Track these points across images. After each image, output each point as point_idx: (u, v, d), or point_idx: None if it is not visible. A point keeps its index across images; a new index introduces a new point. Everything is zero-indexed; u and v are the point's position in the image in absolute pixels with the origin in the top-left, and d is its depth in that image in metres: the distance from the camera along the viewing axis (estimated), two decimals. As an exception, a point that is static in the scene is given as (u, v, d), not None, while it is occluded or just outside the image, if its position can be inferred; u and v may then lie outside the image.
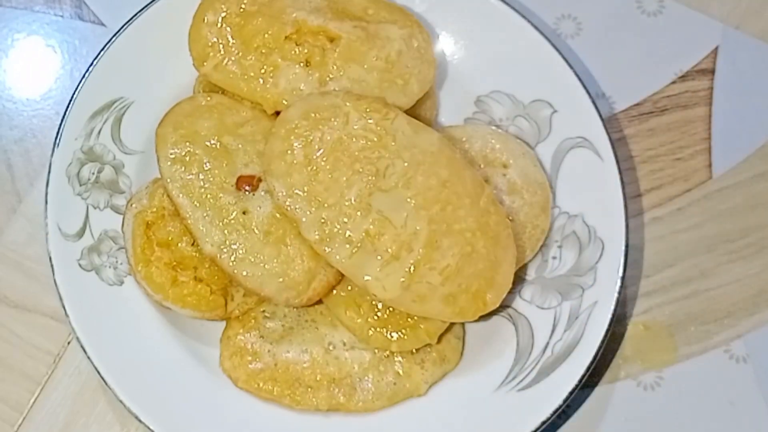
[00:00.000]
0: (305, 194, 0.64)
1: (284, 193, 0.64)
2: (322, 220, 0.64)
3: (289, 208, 0.64)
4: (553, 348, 0.67)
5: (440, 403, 0.67)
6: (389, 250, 0.64)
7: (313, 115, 0.65)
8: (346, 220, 0.64)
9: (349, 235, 0.64)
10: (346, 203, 0.64)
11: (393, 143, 0.65)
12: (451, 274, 0.64)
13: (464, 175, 0.65)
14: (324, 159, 0.64)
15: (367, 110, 0.65)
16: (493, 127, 0.71)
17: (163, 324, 0.68)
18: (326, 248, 0.63)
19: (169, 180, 0.66)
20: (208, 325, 0.68)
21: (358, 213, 0.64)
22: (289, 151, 0.65)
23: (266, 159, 0.65)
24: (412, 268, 0.64)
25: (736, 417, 0.70)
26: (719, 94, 0.76)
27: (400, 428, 0.66)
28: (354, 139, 0.65)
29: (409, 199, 0.64)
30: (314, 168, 0.64)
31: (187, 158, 0.66)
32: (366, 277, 0.64)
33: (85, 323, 0.66)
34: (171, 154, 0.67)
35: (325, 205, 0.64)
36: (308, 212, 0.64)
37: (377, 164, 0.64)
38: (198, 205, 0.66)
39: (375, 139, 0.65)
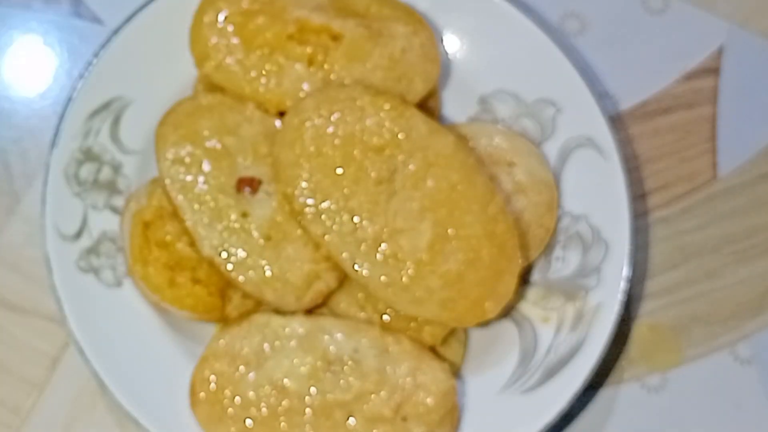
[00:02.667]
0: (311, 186, 0.63)
1: (289, 184, 0.63)
2: (326, 214, 0.63)
3: (292, 200, 0.63)
4: (557, 350, 0.66)
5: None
6: (391, 249, 0.63)
7: (328, 107, 0.64)
8: (350, 215, 0.63)
9: (352, 232, 0.63)
10: (352, 199, 0.63)
11: (406, 142, 0.64)
12: (452, 279, 0.63)
13: (476, 180, 0.64)
14: (334, 152, 0.64)
15: (384, 107, 0.64)
16: (499, 126, 0.71)
17: (162, 326, 0.67)
18: (326, 241, 0.63)
19: (168, 180, 0.65)
20: (206, 326, 0.67)
21: (363, 210, 0.63)
22: (299, 141, 0.64)
23: (276, 147, 0.64)
24: (412, 270, 0.63)
25: (741, 419, 0.70)
26: (725, 94, 0.75)
27: None
28: (367, 135, 0.64)
29: (416, 200, 0.64)
30: (323, 160, 0.64)
31: (187, 159, 0.66)
32: (365, 274, 0.63)
33: (84, 325, 0.65)
34: (171, 154, 0.66)
35: (330, 199, 0.63)
36: (312, 205, 0.63)
37: (388, 162, 0.64)
38: (197, 206, 0.65)
39: (388, 136, 0.64)
